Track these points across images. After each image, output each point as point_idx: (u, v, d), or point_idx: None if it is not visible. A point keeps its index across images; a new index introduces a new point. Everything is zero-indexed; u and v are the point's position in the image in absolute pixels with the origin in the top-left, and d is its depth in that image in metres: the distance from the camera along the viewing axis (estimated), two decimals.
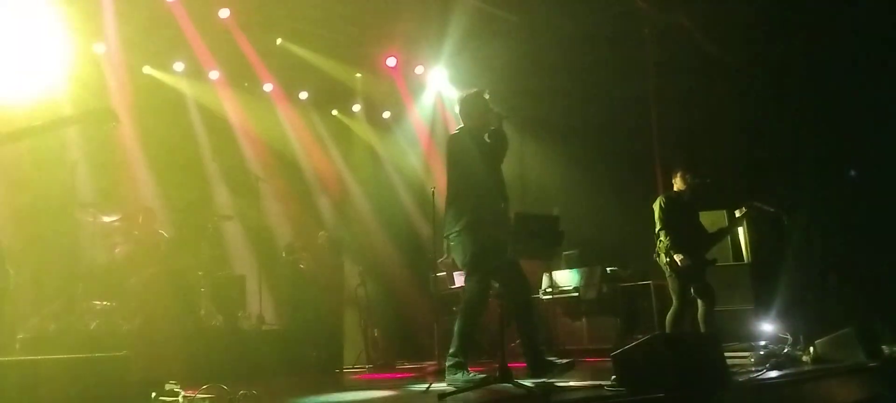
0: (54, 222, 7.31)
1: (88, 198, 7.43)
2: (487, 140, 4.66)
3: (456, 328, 4.39)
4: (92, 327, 6.35)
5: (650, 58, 8.64)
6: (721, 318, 6.08)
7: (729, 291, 6.91)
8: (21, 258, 6.24)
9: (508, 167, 4.83)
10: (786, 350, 4.95)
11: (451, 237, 4.58)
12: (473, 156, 4.56)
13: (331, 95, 10.82)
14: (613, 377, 3.84)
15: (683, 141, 8.26)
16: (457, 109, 4.81)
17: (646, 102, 8.78)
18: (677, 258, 5.88)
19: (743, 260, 7.50)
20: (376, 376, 6.48)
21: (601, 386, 3.90)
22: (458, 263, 4.65)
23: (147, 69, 9.23)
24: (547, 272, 8.38)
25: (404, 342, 9.35)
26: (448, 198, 4.66)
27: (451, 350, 4.37)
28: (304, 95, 10.70)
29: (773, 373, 4.34)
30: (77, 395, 2.39)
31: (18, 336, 5.78)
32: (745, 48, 7.83)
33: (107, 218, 7.14)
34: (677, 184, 6.32)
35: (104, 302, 6.58)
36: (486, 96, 4.74)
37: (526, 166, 9.63)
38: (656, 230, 6.13)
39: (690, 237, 6.05)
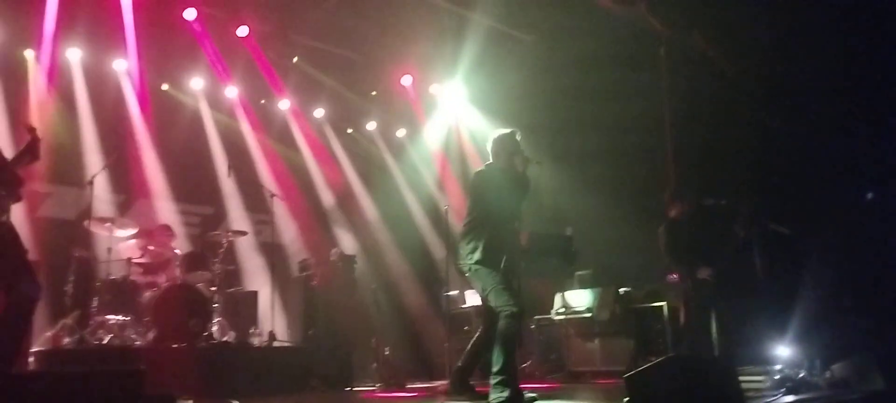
0: (71, 236, 7.41)
1: (105, 213, 7.50)
2: (512, 180, 4.80)
3: (496, 352, 4.45)
4: (106, 341, 6.38)
5: (665, 78, 8.64)
6: (736, 342, 6.02)
7: (742, 314, 6.84)
8: (39, 271, 6.29)
9: (535, 197, 4.96)
10: (801, 375, 4.88)
11: (469, 268, 4.73)
12: (498, 193, 4.73)
13: (346, 113, 10.90)
14: (626, 399, 3.81)
15: (699, 157, 8.22)
16: (488, 146, 4.96)
17: (660, 122, 8.76)
18: (700, 274, 5.88)
19: (757, 282, 7.42)
20: (387, 395, 6.46)
21: None
22: (481, 292, 4.78)
23: (165, 86, 9.35)
24: (559, 292, 8.34)
25: (416, 361, 9.32)
26: (465, 228, 4.83)
27: (494, 369, 4.44)
28: (319, 113, 10.79)
29: (789, 398, 4.28)
30: None
31: (33, 350, 5.83)
32: (761, 68, 7.80)
33: (122, 233, 7.21)
34: (674, 212, 6.33)
35: (118, 317, 6.62)
36: (518, 138, 4.89)
37: (539, 185, 9.62)
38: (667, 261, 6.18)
39: (695, 261, 6.05)
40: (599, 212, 8.61)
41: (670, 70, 8.59)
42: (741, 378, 4.06)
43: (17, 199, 3.37)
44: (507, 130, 4.94)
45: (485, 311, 4.89)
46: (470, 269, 4.72)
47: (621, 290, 8.14)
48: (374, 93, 10.74)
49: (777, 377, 4.72)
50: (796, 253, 6.99)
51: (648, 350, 7.32)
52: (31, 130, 3.67)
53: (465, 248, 4.77)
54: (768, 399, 4.20)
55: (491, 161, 4.93)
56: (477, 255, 4.64)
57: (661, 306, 7.70)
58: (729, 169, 7.86)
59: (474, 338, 4.94)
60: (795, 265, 7.07)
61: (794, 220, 6.76)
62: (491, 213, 4.71)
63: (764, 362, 5.47)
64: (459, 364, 4.92)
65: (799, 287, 6.61)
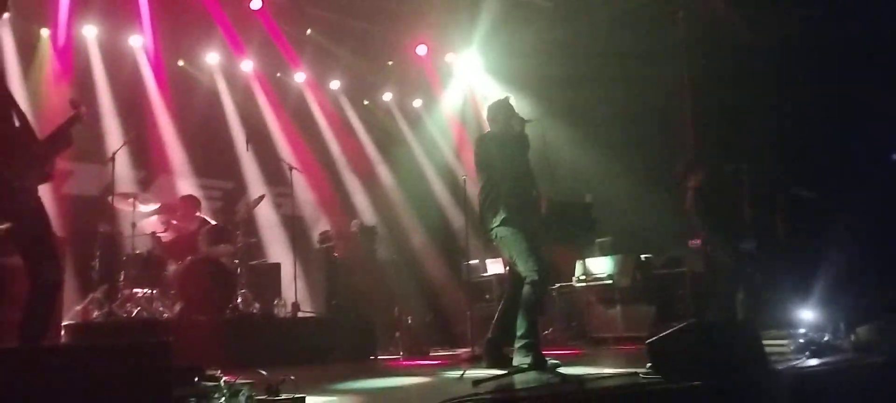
0: (95, 212, 7.51)
1: (128, 189, 7.59)
2: (510, 141, 4.93)
3: (521, 317, 4.56)
4: (134, 314, 6.50)
5: (684, 41, 8.51)
6: (760, 305, 6.00)
7: (767, 278, 6.81)
8: (65, 248, 6.39)
9: (539, 154, 5.00)
10: (826, 338, 4.86)
11: (495, 234, 4.82)
12: (499, 155, 4.87)
13: (362, 84, 10.88)
14: (648, 364, 3.82)
15: (719, 124, 8.13)
16: (484, 114, 5.20)
17: (680, 87, 8.66)
18: (742, 245, 5.85)
19: (780, 246, 7.37)
20: (410, 363, 6.53)
21: (636, 374, 3.88)
22: (507, 257, 4.91)
23: (181, 62, 9.38)
24: (580, 259, 8.34)
25: (437, 329, 9.40)
26: (482, 197, 4.93)
27: (519, 333, 4.53)
28: (335, 84, 10.78)
29: (813, 361, 4.27)
30: (123, 381, 2.45)
31: (64, 324, 5.95)
32: (782, 29, 7.65)
33: (145, 208, 7.29)
34: (693, 182, 6.27)
35: (145, 290, 6.73)
36: (512, 102, 5.08)
37: (557, 153, 9.57)
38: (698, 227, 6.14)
39: (722, 226, 6.00)
40: (619, 180, 8.58)
41: (689, 33, 8.47)
42: (765, 341, 4.05)
43: (45, 180, 3.37)
44: (501, 97, 5.16)
45: (511, 277, 4.93)
46: (495, 235, 4.81)
47: (642, 257, 8.12)
48: (389, 62, 10.69)
49: (801, 340, 4.70)
50: (820, 216, 6.92)
51: (670, 316, 7.32)
52: (76, 105, 3.62)
53: (487, 215, 4.87)
54: (793, 363, 4.18)
55: (489, 129, 5.11)
56: (499, 218, 4.75)
57: (683, 272, 7.68)
58: (750, 132, 7.77)
59: (501, 307, 4.96)
60: (819, 228, 7.01)
61: (818, 183, 6.68)
62: (501, 177, 4.83)
63: (788, 325, 5.45)
64: (489, 335, 4.94)
65: (823, 250, 6.55)
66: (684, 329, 3.80)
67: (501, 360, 4.75)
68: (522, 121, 4.95)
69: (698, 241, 7.01)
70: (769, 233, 7.37)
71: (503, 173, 4.83)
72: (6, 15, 3.37)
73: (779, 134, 7.75)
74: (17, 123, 3.28)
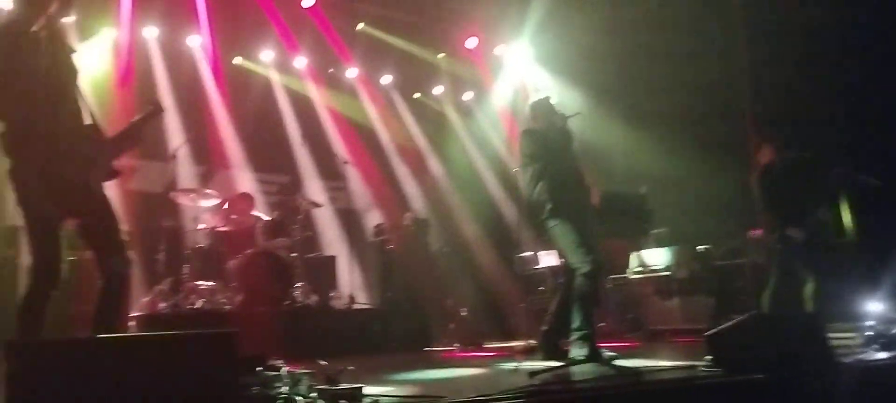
0: (159, 208, 7.78)
1: (189, 185, 7.83)
2: (553, 135, 4.95)
3: (574, 309, 4.57)
4: (198, 306, 6.71)
5: (743, 23, 8.27)
6: (826, 298, 5.81)
7: (833, 269, 6.58)
8: (131, 243, 6.64)
9: (592, 145, 5.01)
10: (895, 330, 4.68)
11: (546, 227, 4.83)
12: (542, 150, 4.91)
13: (413, 78, 10.94)
14: (708, 357, 3.76)
15: (779, 110, 7.88)
16: (527, 113, 5.24)
17: (738, 72, 8.42)
18: (790, 233, 5.68)
19: (848, 236, 7.11)
20: (464, 354, 6.56)
21: (695, 367, 3.83)
22: (562, 250, 4.90)
23: (237, 60, 9.61)
24: (635, 251, 8.22)
25: (492, 321, 9.41)
26: (528, 190, 4.95)
27: (574, 326, 4.53)
28: (386, 79, 10.87)
29: (882, 354, 4.12)
30: (190, 370, 2.53)
31: (132, 315, 6.18)
32: (848, 7, 7.35)
33: (206, 203, 7.51)
34: (765, 156, 6.08)
35: (208, 283, 6.94)
36: (552, 101, 5.14)
37: (611, 143, 9.46)
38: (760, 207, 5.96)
39: (792, 210, 5.81)
40: (674, 171, 8.40)
41: (748, 14, 8.22)
42: (831, 334, 3.93)
43: (111, 176, 3.45)
44: (542, 95, 5.23)
45: (565, 270, 4.92)
46: (547, 228, 4.81)
47: (700, 248, 7.96)
48: (440, 55, 10.71)
49: (869, 333, 4.54)
50: (887, 204, 6.65)
51: (730, 308, 7.16)
52: (155, 104, 3.71)
53: (535, 209, 4.88)
54: (860, 356, 4.05)
55: (531, 125, 5.16)
56: (548, 210, 4.76)
57: (743, 263, 7.49)
58: (813, 118, 7.51)
59: (557, 299, 4.96)
60: (887, 217, 6.75)
61: (886, 170, 6.42)
62: (546, 169, 4.85)
63: (855, 318, 5.27)
64: (545, 327, 4.95)
65: (891, 239, 6.31)
66: (746, 321, 3.73)
67: (557, 352, 4.75)
68: (564, 117, 4.97)
69: (759, 231, 6.82)
70: (835, 223, 7.14)
71: (549, 166, 4.85)
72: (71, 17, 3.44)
73: (844, 119, 7.47)
74: (86, 121, 3.39)
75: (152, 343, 2.76)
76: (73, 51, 3.43)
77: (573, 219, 4.69)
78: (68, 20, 3.54)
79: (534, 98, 5.27)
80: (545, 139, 4.94)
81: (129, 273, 3.41)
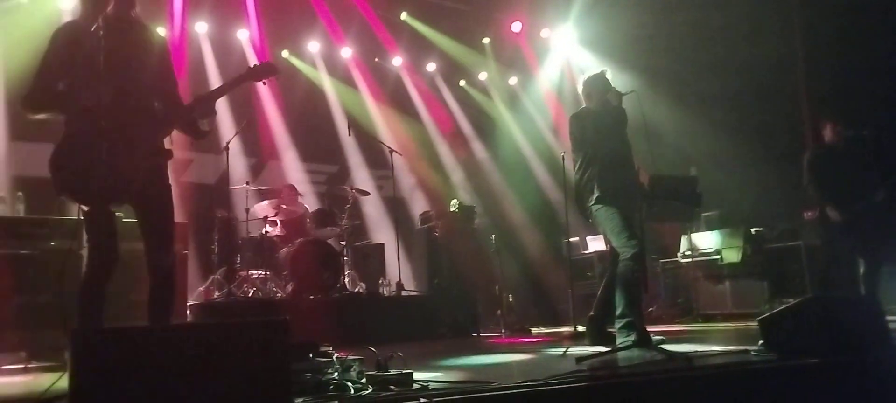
0: (213, 199, 8.00)
1: (240, 177, 8.02)
2: (607, 115, 4.82)
3: (619, 295, 4.49)
4: (250, 294, 6.89)
5: (796, 4, 8.01)
6: (881, 279, 5.63)
7: (888, 249, 6.36)
8: (187, 232, 6.84)
9: (639, 128, 4.87)
10: None
11: (591, 211, 4.77)
12: (594, 131, 4.78)
13: (458, 65, 10.94)
14: (761, 342, 3.69)
15: (835, 90, 7.61)
16: (579, 89, 5.05)
17: (791, 51, 8.17)
18: (828, 212, 5.54)
19: None
20: (512, 340, 6.58)
21: (747, 352, 3.76)
22: (606, 234, 4.84)
23: (285, 53, 9.76)
24: (686, 235, 8.09)
25: (539, 307, 9.40)
26: (578, 173, 4.88)
27: (618, 313, 4.48)
28: (431, 66, 10.90)
29: None
30: (244, 356, 2.60)
31: (189, 304, 6.39)
32: None
33: (257, 194, 7.68)
34: (827, 135, 5.91)
35: (260, 272, 7.12)
36: (608, 76, 4.94)
37: (660, 125, 9.30)
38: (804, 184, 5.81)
39: (846, 191, 5.63)
40: (725, 153, 8.23)
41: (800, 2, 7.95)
42: (888, 317, 3.82)
43: (164, 155, 3.50)
44: (596, 71, 5.01)
45: (612, 255, 4.87)
46: (591, 212, 4.75)
47: (752, 230, 7.79)
48: (485, 39, 10.67)
49: None
50: None
51: (784, 292, 7.00)
52: (267, 65, 3.77)
53: (584, 194, 4.81)
54: None
55: (584, 104, 5.00)
56: (595, 196, 4.68)
57: (798, 245, 7.31)
58: (867, 95, 7.24)
59: (603, 284, 4.94)
60: None
61: None
62: (596, 153, 4.74)
63: None
64: (592, 312, 4.93)
65: None
66: (800, 305, 3.65)
67: (604, 338, 4.72)
68: (619, 95, 4.83)
69: (813, 213, 6.63)
70: (891, 201, 6.88)
71: (599, 150, 4.74)
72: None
73: None
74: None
75: (207, 331, 2.83)
76: (160, 38, 3.57)
77: (619, 204, 4.62)
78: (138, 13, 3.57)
79: (588, 74, 5.05)
80: (597, 121, 4.81)
81: (172, 268, 3.46)
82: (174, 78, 3.60)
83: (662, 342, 4.46)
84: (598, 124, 4.79)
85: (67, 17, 6.05)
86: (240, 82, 3.72)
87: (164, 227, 3.43)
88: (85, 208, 3.21)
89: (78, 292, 3.22)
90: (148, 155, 3.35)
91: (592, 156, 4.76)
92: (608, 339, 4.63)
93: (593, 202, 4.70)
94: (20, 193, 5.74)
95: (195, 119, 3.59)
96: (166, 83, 3.54)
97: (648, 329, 4.64)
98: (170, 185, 3.48)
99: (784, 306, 3.82)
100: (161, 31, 8.64)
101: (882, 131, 6.13)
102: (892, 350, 3.50)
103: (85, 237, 3.35)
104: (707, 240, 8.02)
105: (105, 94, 3.16)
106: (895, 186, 6.05)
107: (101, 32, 3.14)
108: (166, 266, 3.40)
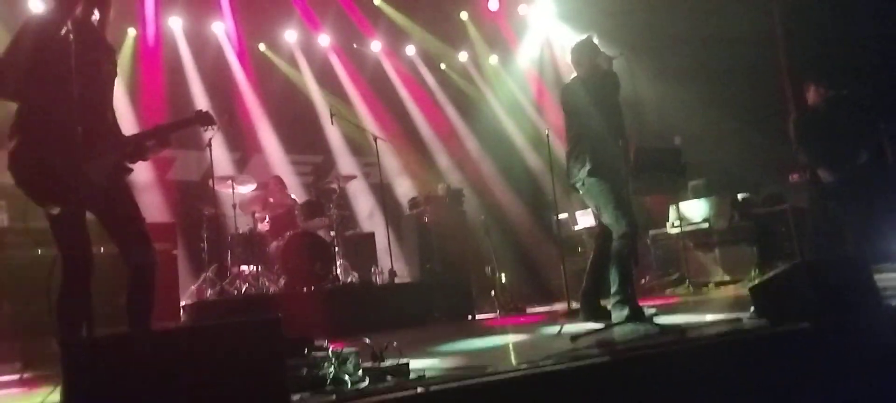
0: (199, 196, 7.93)
1: (225, 172, 7.95)
2: (599, 83, 4.69)
3: (613, 272, 4.43)
4: (243, 290, 6.86)
5: None
6: (867, 240, 5.69)
7: (875, 209, 6.43)
8: (176, 231, 6.79)
9: (626, 93, 4.82)
10: None
11: (579, 185, 4.68)
12: (587, 103, 4.64)
13: (437, 46, 10.87)
14: (752, 309, 3.72)
15: (813, 54, 7.64)
16: (569, 58, 4.90)
17: (769, 13, 8.17)
18: (820, 173, 5.58)
19: (890, 174, 6.91)
20: (507, 321, 6.60)
21: (739, 320, 3.80)
22: (595, 209, 4.75)
23: (262, 46, 9.67)
24: (673, 205, 8.12)
25: (532, 286, 9.43)
26: (568, 146, 4.78)
27: (613, 290, 4.44)
28: (411, 50, 10.83)
29: None
30: (239, 357, 2.58)
31: (182, 304, 6.35)
32: None
33: (243, 189, 7.63)
34: (810, 97, 5.94)
35: (251, 267, 7.09)
36: (595, 41, 4.81)
37: (642, 96, 9.30)
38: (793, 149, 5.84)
39: (834, 151, 5.68)
40: (708, 118, 8.24)
41: None
42: (877, 276, 3.86)
43: (123, 171, 3.47)
44: (583, 36, 4.87)
45: (599, 229, 4.85)
46: (582, 186, 4.67)
47: (739, 196, 7.83)
48: (462, 14, 10.56)
49: None
50: None
51: (773, 256, 7.06)
52: (202, 114, 3.72)
53: (573, 166, 4.71)
54: None
55: (574, 73, 4.87)
56: (585, 169, 4.58)
57: (784, 209, 7.36)
58: (850, 55, 7.26)
59: (591, 259, 4.92)
60: None
61: None
62: (588, 125, 4.63)
63: None
64: (583, 287, 4.89)
65: None
66: (789, 270, 3.67)
67: (598, 313, 4.71)
68: (609, 59, 4.70)
69: (797, 175, 6.69)
70: (877, 159, 6.95)
71: (590, 120, 4.61)
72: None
73: (882, 55, 7.21)
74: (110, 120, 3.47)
75: (200, 333, 2.81)
76: (113, 52, 3.52)
77: (611, 178, 4.54)
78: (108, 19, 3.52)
79: (576, 41, 4.89)
80: (590, 89, 4.67)
81: (151, 263, 3.42)
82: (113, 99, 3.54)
83: (655, 315, 4.49)
84: (589, 92, 4.66)
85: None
86: (179, 127, 3.71)
87: (131, 223, 3.39)
88: (52, 211, 3.16)
89: (56, 303, 3.17)
90: (107, 160, 3.33)
91: (584, 127, 4.64)
92: (602, 314, 4.62)
93: (586, 175, 4.59)
94: (1, 202, 5.67)
95: (145, 148, 3.55)
96: (111, 97, 3.49)
97: (642, 301, 4.66)
98: (129, 185, 3.47)
99: (774, 271, 3.85)
100: (131, 32, 8.53)
101: (860, 92, 6.17)
102: (881, 309, 3.54)
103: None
104: (695, 209, 8.06)
105: (67, 94, 3.11)
106: (879, 147, 6.11)
107: (71, 36, 3.10)
108: (144, 261, 3.37)
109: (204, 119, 3.72)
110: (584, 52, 4.80)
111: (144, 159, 3.58)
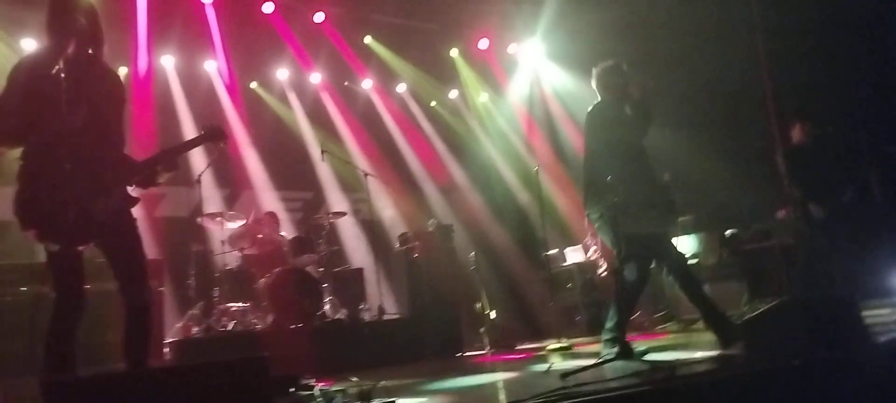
0: (188, 232, 7.89)
1: (215, 208, 7.92)
2: (628, 112, 4.50)
3: (614, 308, 4.31)
4: (230, 327, 6.78)
5: (757, 6, 8.15)
6: (857, 276, 5.72)
7: (863, 244, 6.47)
8: (163, 268, 6.74)
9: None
10: None
11: (595, 220, 4.49)
12: (610, 131, 4.43)
13: (427, 84, 10.96)
14: (743, 346, 3.71)
15: (798, 91, 7.76)
16: (593, 83, 4.69)
17: (755, 53, 8.28)
18: (812, 209, 5.63)
19: (877, 209, 6.98)
20: (497, 358, 6.55)
21: (730, 356, 3.78)
22: (610, 245, 4.50)
23: (254, 85, 9.72)
24: None
25: (522, 322, 9.38)
26: (586, 175, 4.55)
27: (607, 325, 4.34)
28: (401, 88, 10.91)
29: None
30: (224, 397, 2.55)
31: (166, 341, 6.27)
32: None
33: (232, 225, 7.60)
34: (796, 135, 6.02)
35: (238, 304, 7.02)
36: (625, 68, 4.61)
37: None
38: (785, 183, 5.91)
39: (822, 188, 5.74)
40: (696, 153, 8.31)
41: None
42: (865, 313, 3.86)
43: (126, 202, 3.45)
44: (610, 62, 4.64)
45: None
46: (595, 221, 4.47)
47: (727, 233, 7.86)
48: (452, 51, 10.65)
49: None
50: None
51: (762, 292, 7.06)
52: (213, 129, 3.73)
53: (590, 198, 4.48)
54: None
55: (599, 99, 4.61)
56: (603, 205, 4.27)
57: (773, 245, 7.38)
58: (835, 92, 7.37)
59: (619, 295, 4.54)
60: None
61: None
62: (608, 152, 4.34)
63: (889, 294, 5.18)
64: (707, 320, 4.62)
65: None
66: (778, 306, 3.68)
67: (727, 327, 4.41)
68: (641, 88, 4.47)
69: (784, 212, 6.74)
70: (863, 195, 7.01)
71: (615, 148, 4.31)
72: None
73: (866, 90, 7.33)
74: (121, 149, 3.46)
75: (185, 372, 2.78)
76: (118, 77, 3.55)
77: (626, 217, 4.16)
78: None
79: (601, 65, 4.63)
80: (619, 115, 4.40)
81: (148, 303, 3.42)
82: (124, 123, 3.53)
83: (645, 352, 4.46)
84: (613, 119, 4.41)
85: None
86: (191, 147, 3.73)
87: (135, 261, 3.39)
88: (52, 248, 3.14)
89: (46, 339, 3.14)
90: (114, 193, 3.31)
91: (606, 156, 4.32)
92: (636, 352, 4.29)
93: (600, 211, 4.34)
94: None
95: (155, 173, 3.55)
96: (121, 124, 3.48)
97: (633, 337, 4.62)
98: (135, 221, 3.44)
99: (763, 307, 3.85)
100: (122, 71, 8.55)
101: (844, 129, 6.26)
102: (870, 347, 3.54)
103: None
104: (684, 245, 8.07)
105: (68, 130, 3.11)
106: (864, 184, 6.17)
107: (63, 74, 3.10)
108: (143, 301, 3.36)
109: (215, 134, 3.69)
110: (612, 77, 4.57)
111: (155, 185, 3.59)
